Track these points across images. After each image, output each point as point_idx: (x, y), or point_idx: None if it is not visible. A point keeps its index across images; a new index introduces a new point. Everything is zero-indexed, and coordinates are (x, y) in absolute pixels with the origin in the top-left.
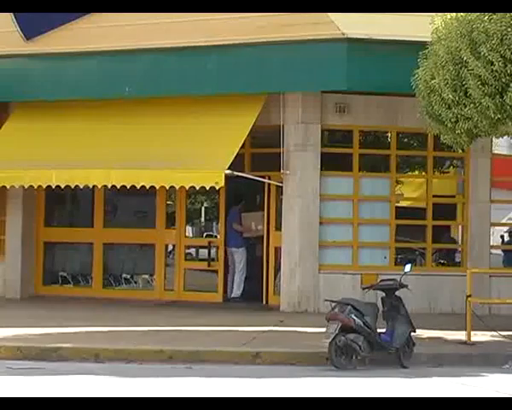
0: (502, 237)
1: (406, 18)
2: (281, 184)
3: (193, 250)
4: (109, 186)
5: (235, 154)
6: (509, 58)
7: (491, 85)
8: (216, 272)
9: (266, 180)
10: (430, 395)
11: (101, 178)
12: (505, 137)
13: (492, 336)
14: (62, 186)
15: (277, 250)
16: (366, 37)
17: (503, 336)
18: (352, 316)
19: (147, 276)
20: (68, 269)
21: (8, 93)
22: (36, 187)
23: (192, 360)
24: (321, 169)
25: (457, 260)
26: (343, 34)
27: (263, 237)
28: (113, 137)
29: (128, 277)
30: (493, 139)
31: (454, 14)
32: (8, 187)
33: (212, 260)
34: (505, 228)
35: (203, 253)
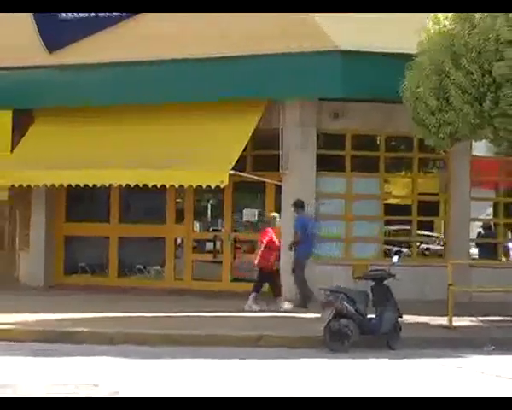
0: (479, 233)
1: (394, 32)
2: (280, 183)
3: (200, 243)
4: (124, 185)
5: (238, 155)
6: (487, 69)
7: (471, 94)
8: (221, 262)
9: (267, 179)
10: (415, 375)
11: (117, 177)
12: (483, 140)
13: (472, 321)
14: (81, 185)
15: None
16: (358, 49)
17: (483, 321)
18: (345, 303)
19: (158, 267)
20: (87, 260)
21: (32, 100)
22: (57, 186)
23: (199, 343)
24: (317, 170)
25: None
26: (336, 47)
27: None
28: (126, 141)
29: (141, 267)
30: (473, 142)
31: (437, 28)
32: (32, 186)
33: (218, 252)
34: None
35: (209, 245)
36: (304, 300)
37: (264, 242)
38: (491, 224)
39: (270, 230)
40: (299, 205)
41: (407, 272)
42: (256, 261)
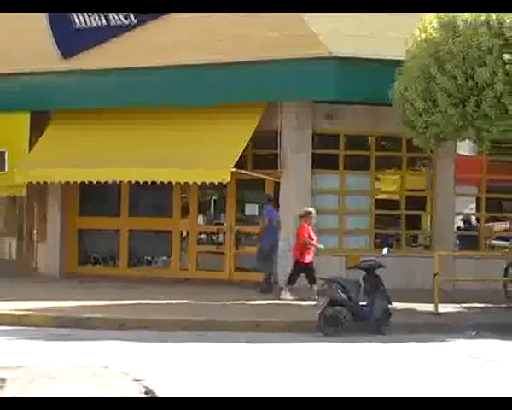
0: (458, 227)
1: (385, 39)
2: (278, 180)
3: (203, 236)
4: (133, 182)
5: (239, 154)
6: (470, 74)
7: (455, 97)
8: (223, 253)
9: (266, 177)
10: (404, 358)
11: (127, 175)
12: (467, 140)
13: (455, 307)
14: (94, 182)
15: None
16: (351, 56)
17: (465, 308)
18: (338, 291)
19: (165, 257)
20: (99, 252)
21: (49, 103)
22: (71, 183)
23: (204, 329)
24: (312, 168)
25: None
26: (330, 53)
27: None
28: (136, 141)
29: (149, 258)
30: (457, 142)
31: (424, 36)
32: (48, 183)
33: (220, 243)
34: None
35: (213, 238)
36: (269, 286)
37: (306, 235)
38: (472, 218)
39: (306, 225)
40: (267, 199)
41: (396, 263)
42: (304, 259)
